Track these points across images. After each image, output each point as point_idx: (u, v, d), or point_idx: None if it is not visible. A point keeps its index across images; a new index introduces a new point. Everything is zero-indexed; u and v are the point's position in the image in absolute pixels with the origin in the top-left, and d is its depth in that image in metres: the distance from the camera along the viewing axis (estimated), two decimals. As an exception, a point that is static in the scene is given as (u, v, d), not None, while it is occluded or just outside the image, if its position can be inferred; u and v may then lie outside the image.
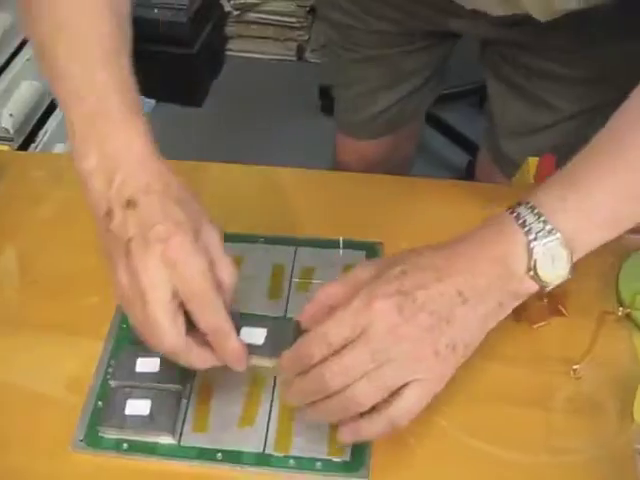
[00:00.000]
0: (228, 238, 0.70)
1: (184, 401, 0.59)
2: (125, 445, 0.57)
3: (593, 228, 0.52)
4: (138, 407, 0.57)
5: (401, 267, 0.50)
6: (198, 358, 0.52)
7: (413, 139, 1.10)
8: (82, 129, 0.53)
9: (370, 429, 0.51)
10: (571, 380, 0.60)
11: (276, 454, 0.56)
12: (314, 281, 0.66)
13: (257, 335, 0.55)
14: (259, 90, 2.15)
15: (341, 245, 0.69)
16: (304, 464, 0.55)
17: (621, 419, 0.58)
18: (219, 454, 0.56)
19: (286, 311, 0.65)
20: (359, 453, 0.56)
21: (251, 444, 0.57)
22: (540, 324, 0.63)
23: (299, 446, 0.56)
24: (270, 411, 0.58)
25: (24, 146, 1.54)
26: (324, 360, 0.49)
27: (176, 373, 0.59)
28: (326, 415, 0.51)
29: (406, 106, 0.97)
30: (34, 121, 1.59)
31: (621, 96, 0.54)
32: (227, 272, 0.53)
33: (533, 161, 1.37)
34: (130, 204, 0.50)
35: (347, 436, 0.52)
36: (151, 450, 0.57)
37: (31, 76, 1.56)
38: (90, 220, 0.53)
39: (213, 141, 1.98)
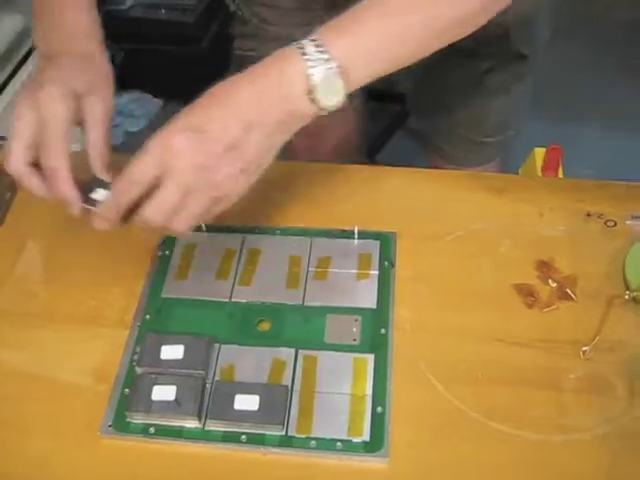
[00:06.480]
0: (247, 231, 0.73)
1: (208, 386, 0.61)
2: (152, 429, 0.59)
3: (364, 61, 0.57)
4: (164, 392, 0.60)
5: (188, 107, 0.56)
6: (35, 186, 0.60)
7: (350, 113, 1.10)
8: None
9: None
10: (581, 361, 0.62)
11: (298, 436, 0.58)
12: (330, 270, 0.69)
13: (251, 402, 0.58)
14: (265, 88, 2.17)
15: (356, 235, 0.71)
16: (325, 445, 0.58)
17: (629, 398, 0.60)
18: (243, 437, 0.58)
19: (304, 299, 0.67)
20: (378, 433, 0.58)
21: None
22: (550, 308, 0.66)
23: (320, 427, 0.59)
24: (291, 395, 0.60)
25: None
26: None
27: (200, 359, 0.61)
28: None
29: None
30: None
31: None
32: (93, 111, 0.62)
33: (539, 152, 1.38)
34: (47, 59, 0.63)
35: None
36: (177, 434, 0.59)
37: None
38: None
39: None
